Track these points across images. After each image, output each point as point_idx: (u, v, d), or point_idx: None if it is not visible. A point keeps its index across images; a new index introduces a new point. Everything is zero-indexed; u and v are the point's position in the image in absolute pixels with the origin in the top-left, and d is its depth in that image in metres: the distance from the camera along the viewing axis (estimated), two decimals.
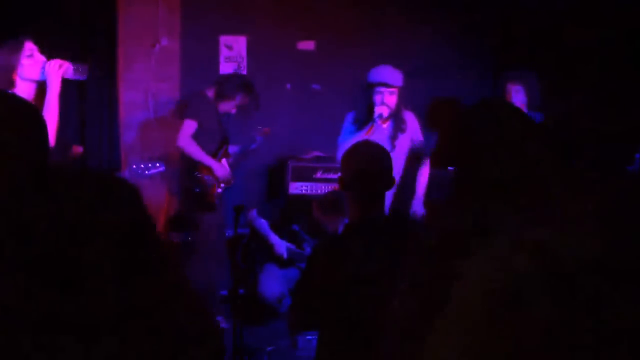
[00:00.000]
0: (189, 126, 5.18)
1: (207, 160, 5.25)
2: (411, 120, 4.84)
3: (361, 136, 4.54)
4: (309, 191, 5.76)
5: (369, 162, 2.80)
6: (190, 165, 5.25)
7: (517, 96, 5.01)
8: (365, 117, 4.68)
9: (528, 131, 1.83)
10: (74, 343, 1.36)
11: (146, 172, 4.54)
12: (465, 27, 6.37)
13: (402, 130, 4.75)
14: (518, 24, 6.26)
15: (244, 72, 6.19)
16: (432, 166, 5.13)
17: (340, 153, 4.70)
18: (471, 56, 6.47)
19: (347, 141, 4.54)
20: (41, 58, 3.85)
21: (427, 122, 5.32)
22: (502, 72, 5.32)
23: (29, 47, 3.83)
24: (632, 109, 5.39)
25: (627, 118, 5.32)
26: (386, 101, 4.67)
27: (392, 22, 6.40)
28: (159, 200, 5.68)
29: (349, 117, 4.80)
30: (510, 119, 1.87)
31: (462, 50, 6.42)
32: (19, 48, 3.81)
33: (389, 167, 2.85)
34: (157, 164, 4.60)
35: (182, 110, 5.34)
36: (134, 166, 4.51)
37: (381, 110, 4.63)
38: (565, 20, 5.85)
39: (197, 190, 5.25)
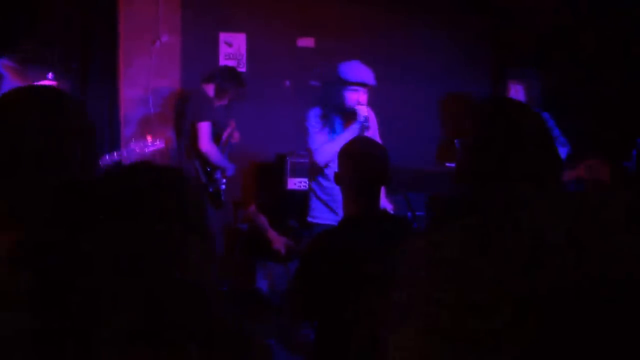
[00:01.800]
0: (207, 129, 5.29)
1: (224, 162, 5.40)
2: (372, 116, 4.67)
3: (346, 138, 4.29)
4: (306, 187, 5.80)
5: (367, 159, 2.84)
6: (204, 164, 5.37)
7: (517, 95, 5.03)
8: (332, 115, 4.53)
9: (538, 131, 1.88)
10: None
11: (145, 149, 4.59)
12: (464, 26, 6.40)
13: (368, 128, 4.54)
14: (517, 25, 6.30)
15: (244, 69, 6.23)
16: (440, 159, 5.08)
17: (319, 157, 4.56)
18: (470, 55, 6.50)
19: (329, 144, 4.43)
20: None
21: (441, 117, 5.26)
22: (504, 69, 5.34)
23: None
24: (629, 107, 5.43)
25: (625, 116, 5.37)
26: (362, 101, 4.50)
27: (391, 19, 6.44)
28: None
29: (315, 116, 4.60)
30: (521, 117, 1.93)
31: (461, 50, 6.46)
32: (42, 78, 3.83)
33: (386, 163, 2.89)
34: (157, 141, 4.65)
35: (193, 113, 5.41)
36: (133, 144, 4.55)
37: (363, 111, 4.46)
38: (563, 21, 5.89)
39: (212, 189, 5.38)
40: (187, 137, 5.44)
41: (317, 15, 6.37)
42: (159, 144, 4.68)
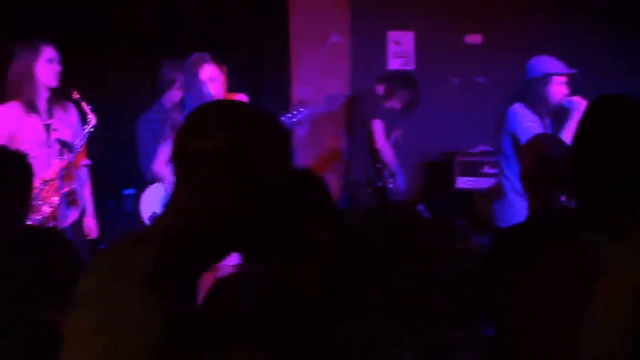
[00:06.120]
0: (381, 127, 5.38)
1: (395, 164, 5.46)
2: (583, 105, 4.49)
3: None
4: (475, 186, 5.74)
5: (552, 155, 2.80)
6: (375, 161, 5.45)
7: None
8: (541, 112, 4.47)
9: None
10: None
11: (294, 119, 4.71)
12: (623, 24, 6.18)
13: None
14: None
15: (412, 67, 6.24)
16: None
17: None
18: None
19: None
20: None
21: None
22: None
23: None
24: None
25: None
26: (565, 92, 4.47)
27: (560, 14, 6.28)
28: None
29: (527, 113, 4.47)
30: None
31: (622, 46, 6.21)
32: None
33: (567, 159, 2.83)
34: (301, 108, 4.76)
35: (362, 112, 5.50)
36: (283, 118, 4.67)
37: (577, 101, 4.37)
38: None
39: (380, 184, 5.45)
40: (358, 135, 5.52)
41: (484, 12, 6.29)
42: (305, 110, 4.74)
